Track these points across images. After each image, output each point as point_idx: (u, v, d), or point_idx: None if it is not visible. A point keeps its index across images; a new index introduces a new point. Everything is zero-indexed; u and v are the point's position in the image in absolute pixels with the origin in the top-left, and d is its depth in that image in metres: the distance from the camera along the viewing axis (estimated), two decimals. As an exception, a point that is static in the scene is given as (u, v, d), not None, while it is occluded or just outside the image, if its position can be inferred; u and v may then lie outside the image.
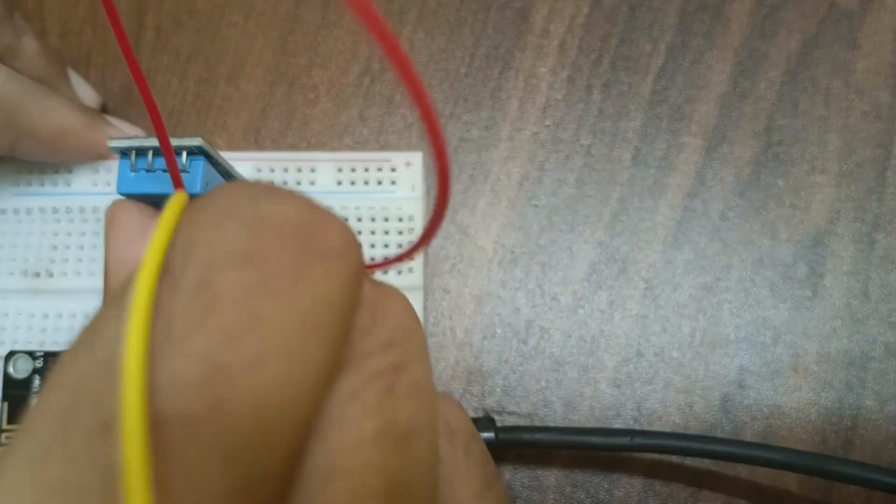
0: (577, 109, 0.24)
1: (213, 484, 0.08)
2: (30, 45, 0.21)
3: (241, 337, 0.08)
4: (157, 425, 0.08)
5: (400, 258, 0.12)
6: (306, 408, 0.09)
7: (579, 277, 0.23)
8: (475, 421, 0.21)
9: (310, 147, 0.24)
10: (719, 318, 0.23)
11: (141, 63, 0.25)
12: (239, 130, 0.24)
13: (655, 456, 0.22)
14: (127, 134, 0.23)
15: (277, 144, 0.24)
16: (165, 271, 0.09)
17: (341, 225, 0.10)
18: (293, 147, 0.24)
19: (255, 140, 0.24)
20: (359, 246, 0.10)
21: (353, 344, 0.10)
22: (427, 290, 0.23)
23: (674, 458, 0.22)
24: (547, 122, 0.24)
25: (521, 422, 0.22)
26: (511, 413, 0.22)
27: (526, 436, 0.20)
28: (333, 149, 0.24)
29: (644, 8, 0.25)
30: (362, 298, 0.10)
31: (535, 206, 0.24)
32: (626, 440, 0.20)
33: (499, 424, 0.21)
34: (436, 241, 0.23)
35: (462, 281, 0.23)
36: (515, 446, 0.21)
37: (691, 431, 0.22)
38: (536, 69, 0.25)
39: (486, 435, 0.20)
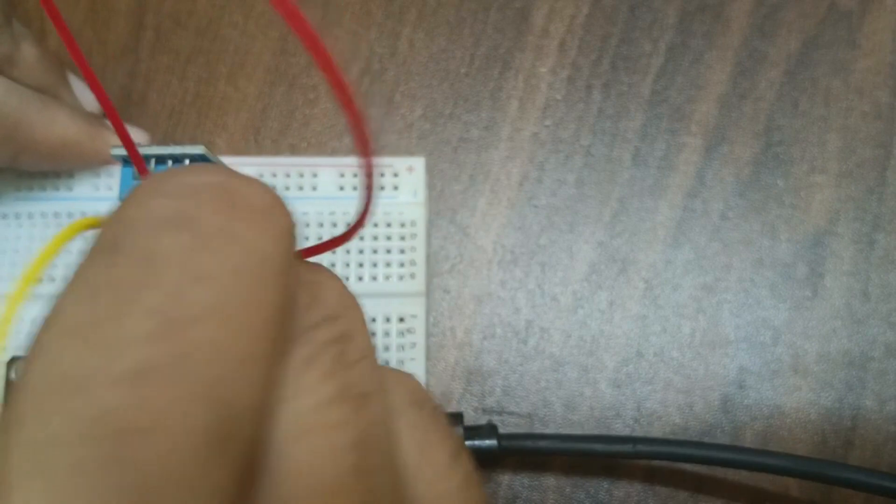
0: (577, 109, 0.24)
1: (195, 421, 0.08)
2: (29, 52, 0.21)
3: (185, 292, 0.09)
4: (133, 378, 0.08)
5: (335, 242, 0.12)
6: (262, 361, 0.09)
7: (579, 278, 0.23)
8: (477, 429, 0.20)
9: (309, 147, 0.24)
10: (719, 318, 0.23)
11: (141, 63, 0.25)
12: (239, 130, 0.24)
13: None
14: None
15: (277, 144, 0.24)
16: (100, 250, 0.09)
17: (263, 187, 0.10)
18: (293, 147, 0.24)
19: (254, 140, 0.24)
20: (285, 206, 0.10)
21: (297, 318, 0.10)
22: (427, 291, 0.23)
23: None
24: (547, 123, 0.24)
25: (522, 422, 0.22)
26: (511, 413, 0.22)
27: (528, 443, 0.20)
28: (333, 149, 0.24)
29: (644, 8, 0.25)
30: (300, 279, 0.11)
31: (535, 206, 0.24)
32: (628, 447, 0.20)
33: (501, 431, 0.21)
34: (435, 241, 0.23)
35: (462, 281, 0.23)
36: (518, 453, 0.21)
37: (691, 431, 0.22)
38: (536, 69, 0.25)
39: (488, 442, 0.20)
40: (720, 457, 0.20)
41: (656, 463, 0.22)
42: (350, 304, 0.11)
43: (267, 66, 0.25)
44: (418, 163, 0.22)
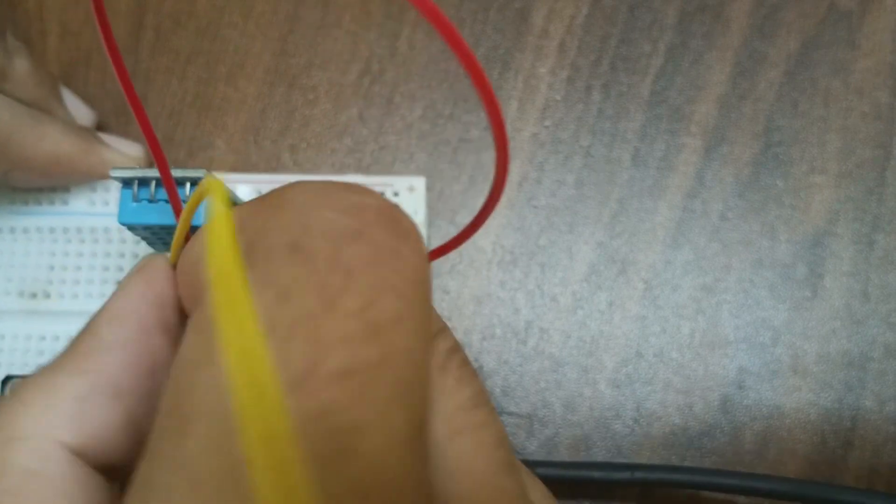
0: (577, 110, 0.24)
1: (398, 420, 0.09)
2: (21, 66, 0.21)
3: (380, 298, 0.09)
4: (345, 376, 0.09)
5: (451, 244, 0.13)
6: (428, 362, 0.10)
7: (579, 278, 0.23)
8: None
9: (309, 147, 0.24)
10: (719, 318, 0.23)
11: (140, 64, 0.25)
12: (238, 131, 0.24)
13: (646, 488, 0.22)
14: (123, 152, 0.22)
15: (277, 145, 0.24)
16: (278, 252, 0.10)
17: (405, 212, 0.11)
18: (293, 148, 0.24)
19: (254, 140, 0.24)
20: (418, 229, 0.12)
21: None
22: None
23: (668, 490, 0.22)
24: (546, 123, 0.24)
25: (521, 423, 0.22)
26: (510, 414, 0.22)
27: None
28: (333, 150, 0.24)
29: (643, 8, 0.25)
30: None
31: (535, 206, 0.24)
32: (626, 475, 0.20)
33: None
34: (435, 242, 0.23)
35: (461, 282, 0.23)
36: None
37: (691, 432, 0.22)
38: (536, 70, 0.25)
39: None
40: (723, 483, 0.20)
41: (648, 496, 0.22)
42: (443, 320, 0.13)
43: (266, 66, 0.25)
44: (419, 182, 0.22)
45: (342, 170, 0.24)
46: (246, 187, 0.22)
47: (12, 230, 0.22)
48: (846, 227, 0.23)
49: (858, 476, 0.22)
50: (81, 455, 0.11)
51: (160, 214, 0.17)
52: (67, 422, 0.11)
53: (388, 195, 0.22)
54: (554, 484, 0.22)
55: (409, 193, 0.22)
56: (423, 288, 0.10)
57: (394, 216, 0.11)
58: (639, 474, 0.20)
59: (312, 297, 0.09)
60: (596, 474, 0.20)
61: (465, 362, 0.12)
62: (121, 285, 0.13)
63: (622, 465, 0.20)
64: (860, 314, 0.23)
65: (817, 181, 0.24)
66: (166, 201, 0.17)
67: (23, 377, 0.20)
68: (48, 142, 0.20)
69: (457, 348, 0.12)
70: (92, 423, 0.11)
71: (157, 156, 0.15)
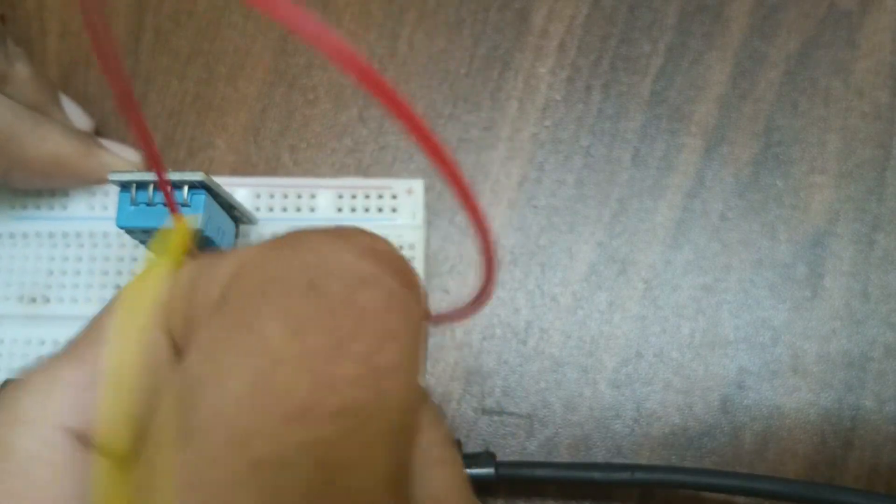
0: (577, 110, 0.24)
1: (385, 461, 0.10)
2: (21, 71, 0.21)
3: (386, 346, 0.10)
4: (342, 415, 0.09)
5: (456, 315, 0.14)
6: (416, 408, 0.11)
7: (579, 278, 0.23)
8: (475, 456, 0.20)
9: (309, 148, 0.24)
10: (719, 318, 0.23)
11: (140, 64, 0.25)
12: (238, 131, 0.24)
13: (646, 489, 0.22)
14: (121, 157, 0.22)
15: (276, 145, 0.24)
16: (295, 286, 0.10)
17: (411, 265, 0.12)
18: (292, 148, 0.24)
19: (254, 141, 0.24)
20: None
21: None
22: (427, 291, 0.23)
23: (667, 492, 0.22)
24: (546, 123, 0.24)
25: (521, 423, 0.22)
26: (510, 414, 0.22)
27: (526, 471, 0.20)
28: (333, 149, 0.24)
29: (644, 8, 0.25)
30: None
31: (535, 206, 0.24)
32: (626, 475, 0.20)
33: (499, 459, 0.20)
34: (435, 242, 0.23)
35: (461, 282, 0.23)
36: (515, 482, 0.21)
37: (691, 432, 0.22)
38: (536, 70, 0.25)
39: (485, 470, 0.20)
40: (723, 483, 0.20)
41: (647, 499, 0.22)
42: None
43: (266, 66, 0.25)
44: (417, 185, 0.22)
45: (342, 170, 0.24)
46: (244, 191, 0.22)
47: (12, 235, 0.22)
48: (846, 226, 0.23)
49: (858, 476, 0.22)
50: (83, 440, 0.11)
51: (158, 217, 0.17)
52: (69, 408, 0.11)
53: (387, 198, 0.22)
54: (555, 485, 0.22)
55: (407, 196, 0.22)
56: (421, 338, 0.11)
57: (404, 266, 0.11)
58: (639, 475, 0.20)
59: (325, 336, 0.10)
60: (596, 475, 0.20)
61: (435, 405, 0.13)
62: (126, 288, 0.13)
63: (622, 465, 0.20)
64: (860, 314, 0.23)
65: (817, 181, 0.24)
66: (164, 205, 0.17)
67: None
68: (49, 143, 0.20)
69: (428, 393, 0.13)
70: (93, 410, 0.11)
71: (152, 159, 0.15)
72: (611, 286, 0.23)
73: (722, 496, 0.22)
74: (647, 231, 0.23)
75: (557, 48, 0.25)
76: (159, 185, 0.16)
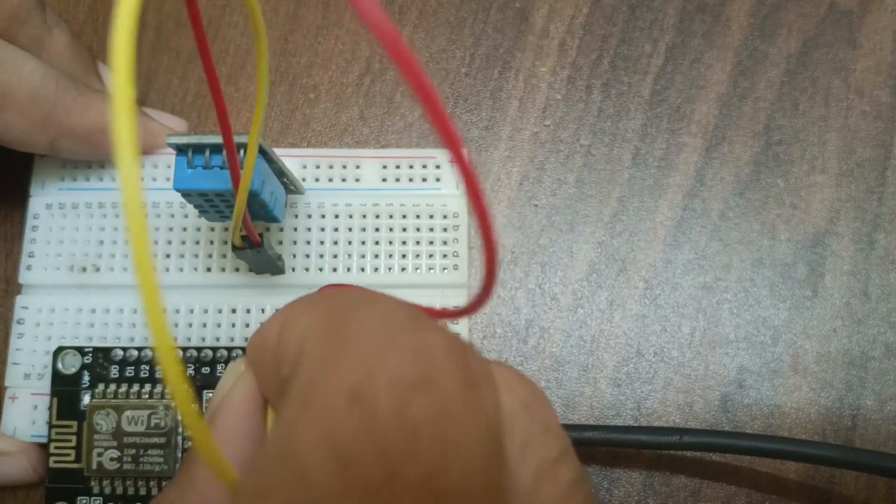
0: (577, 109, 0.24)
1: None
2: (60, 39, 0.21)
3: (446, 468, 0.09)
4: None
5: (456, 313, 0.13)
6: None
7: (579, 277, 0.23)
8: None
9: (310, 147, 0.24)
10: (719, 317, 0.23)
11: (141, 63, 0.25)
12: (239, 130, 0.24)
13: (654, 454, 0.22)
14: (167, 125, 0.23)
15: (277, 144, 0.24)
16: (340, 393, 0.09)
17: (477, 353, 0.11)
18: (293, 147, 0.24)
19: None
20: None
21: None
22: (469, 283, 0.23)
23: (675, 455, 0.22)
24: (547, 122, 0.24)
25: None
26: (511, 413, 0.22)
27: (573, 434, 0.20)
28: (333, 148, 0.24)
29: (644, 8, 0.25)
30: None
31: (535, 205, 0.24)
32: (675, 438, 0.20)
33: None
34: (436, 241, 0.23)
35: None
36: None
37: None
38: (536, 69, 0.25)
39: None
40: (767, 447, 0.20)
41: (656, 461, 0.22)
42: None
43: (267, 66, 0.25)
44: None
45: (343, 169, 0.24)
46: (290, 161, 0.22)
47: (62, 206, 0.22)
48: (847, 226, 0.23)
49: (858, 475, 0.22)
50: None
51: (215, 180, 0.17)
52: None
53: (431, 168, 0.23)
54: (590, 447, 0.21)
55: (450, 166, 0.22)
56: (495, 443, 0.10)
57: (464, 361, 0.10)
58: (687, 438, 0.20)
59: (375, 466, 0.09)
60: (644, 438, 0.20)
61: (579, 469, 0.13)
62: (229, 390, 0.14)
63: (671, 429, 0.21)
64: (861, 313, 0.23)
65: (818, 180, 0.24)
66: (221, 167, 0.17)
67: (75, 349, 0.21)
68: (94, 111, 0.20)
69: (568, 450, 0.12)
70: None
71: (222, 118, 0.15)
72: (611, 285, 0.23)
73: (720, 473, 0.22)
74: (647, 230, 0.23)
75: (558, 48, 0.25)
76: (225, 146, 0.16)
